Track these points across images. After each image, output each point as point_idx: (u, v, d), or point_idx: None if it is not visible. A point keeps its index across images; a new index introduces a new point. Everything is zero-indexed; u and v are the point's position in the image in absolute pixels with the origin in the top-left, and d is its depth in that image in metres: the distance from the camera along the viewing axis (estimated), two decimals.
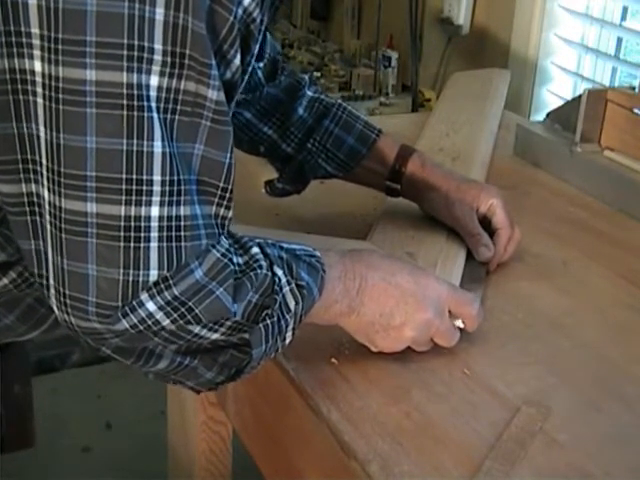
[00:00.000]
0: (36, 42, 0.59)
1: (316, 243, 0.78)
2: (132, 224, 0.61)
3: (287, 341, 0.73)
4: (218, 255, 0.66)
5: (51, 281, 0.64)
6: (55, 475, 1.91)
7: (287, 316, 0.71)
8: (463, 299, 0.83)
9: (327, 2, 2.83)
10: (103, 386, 2.14)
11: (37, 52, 0.59)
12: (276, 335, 0.71)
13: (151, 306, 0.63)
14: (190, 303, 0.64)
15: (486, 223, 1.02)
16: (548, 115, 1.47)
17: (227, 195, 0.67)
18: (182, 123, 0.63)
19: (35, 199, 0.63)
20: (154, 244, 0.62)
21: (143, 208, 0.61)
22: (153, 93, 0.61)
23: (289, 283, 0.71)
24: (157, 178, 0.62)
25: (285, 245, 0.74)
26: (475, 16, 2.19)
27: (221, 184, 0.66)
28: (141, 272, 0.62)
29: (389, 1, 2.40)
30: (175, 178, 0.62)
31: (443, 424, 0.74)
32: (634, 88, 1.36)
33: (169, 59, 0.60)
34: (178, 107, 0.62)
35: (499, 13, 2.10)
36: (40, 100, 0.60)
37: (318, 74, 2.50)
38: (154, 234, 0.62)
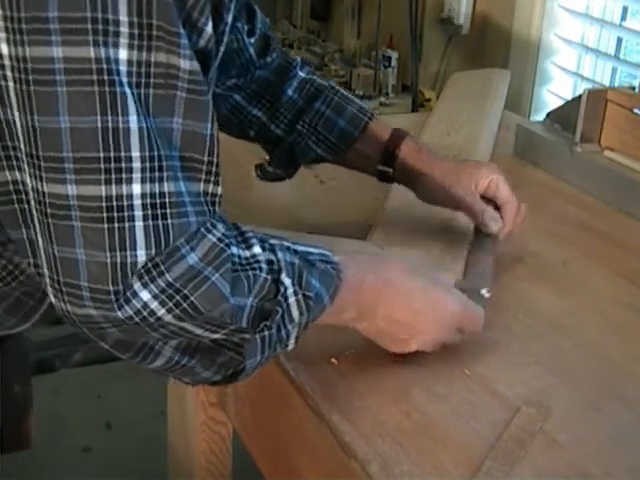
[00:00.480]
0: None
1: (316, 243, 0.78)
2: (114, 204, 0.60)
3: (289, 348, 0.73)
4: (214, 240, 0.64)
5: (45, 269, 0.63)
6: (55, 475, 1.91)
7: (289, 326, 0.70)
8: (472, 318, 0.83)
9: (327, 2, 2.83)
10: (103, 386, 2.14)
11: (2, 34, 0.57)
12: (275, 344, 0.70)
13: (145, 295, 0.62)
14: (185, 290, 0.62)
15: (487, 201, 1.00)
16: (548, 115, 1.47)
17: (213, 169, 0.65)
18: (157, 97, 0.61)
19: (21, 187, 0.62)
20: (139, 223, 0.61)
21: (124, 186, 0.60)
22: (123, 67, 0.59)
23: (296, 294, 0.70)
24: (136, 154, 0.60)
25: (300, 248, 0.72)
26: (475, 16, 2.19)
27: (205, 158, 0.64)
28: (128, 253, 0.61)
29: (389, 1, 2.40)
30: (155, 154, 0.61)
31: (443, 424, 0.74)
32: (634, 88, 1.36)
33: (136, 31, 0.59)
34: (151, 80, 0.61)
35: (499, 13, 2.10)
36: (11, 84, 0.59)
37: (318, 74, 2.50)
38: (138, 213, 0.61)
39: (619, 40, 1.87)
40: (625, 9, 1.84)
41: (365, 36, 2.61)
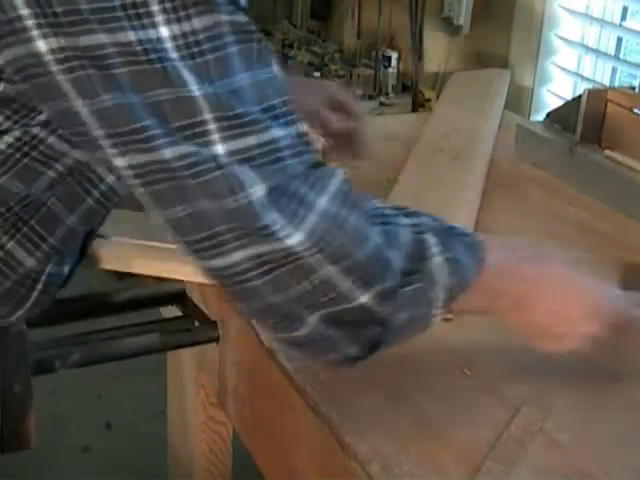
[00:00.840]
0: (30, 22, 0.57)
1: None
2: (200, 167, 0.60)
3: (434, 319, 0.69)
4: (348, 185, 0.64)
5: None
6: (55, 475, 1.91)
7: (436, 288, 0.67)
8: (632, 319, 0.77)
9: (327, 2, 2.83)
10: (103, 386, 2.14)
11: (36, 32, 0.58)
12: (421, 305, 0.67)
13: (298, 236, 0.61)
14: (333, 231, 0.62)
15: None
16: (548, 115, 1.47)
17: (290, 108, 0.64)
18: (214, 61, 0.61)
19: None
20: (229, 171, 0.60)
21: (204, 148, 0.60)
22: (168, 44, 0.59)
23: (442, 253, 0.67)
24: (208, 116, 0.60)
25: (440, 218, 0.71)
26: (475, 16, 2.19)
27: (283, 99, 0.63)
28: (248, 191, 0.60)
29: (389, 1, 2.40)
30: (230, 113, 0.60)
31: (443, 424, 0.74)
32: (634, 88, 1.36)
33: (167, 5, 0.59)
34: (202, 47, 0.60)
35: (499, 13, 2.10)
36: (61, 77, 0.58)
37: (318, 74, 2.50)
38: (230, 168, 0.60)
39: (619, 40, 1.87)
40: (625, 9, 1.84)
41: (365, 36, 2.61)
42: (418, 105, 2.20)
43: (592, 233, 1.14)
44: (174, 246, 1.02)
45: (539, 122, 1.51)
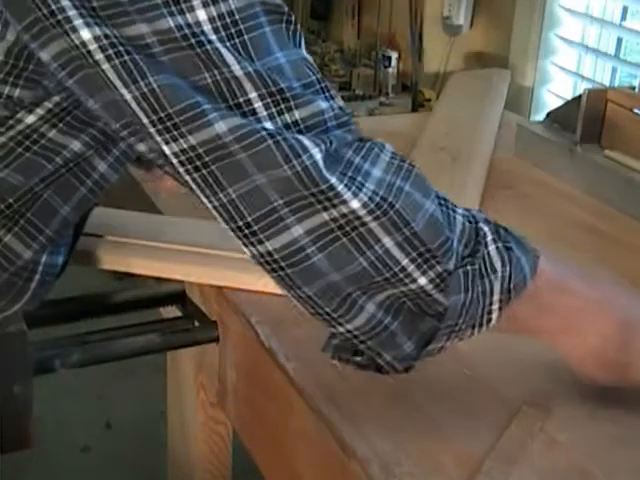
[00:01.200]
0: (72, 13, 0.57)
1: None
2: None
3: (494, 315, 0.65)
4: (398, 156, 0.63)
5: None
6: (55, 475, 1.92)
7: (492, 276, 0.64)
8: None
9: (327, 2, 2.83)
10: (103, 386, 2.14)
11: (79, 21, 0.58)
12: (479, 294, 0.64)
13: (355, 202, 0.59)
14: (390, 198, 0.60)
15: None
16: (548, 115, 1.47)
17: (327, 84, 0.63)
18: (253, 40, 0.61)
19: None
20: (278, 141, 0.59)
21: (249, 126, 0.59)
22: (207, 27, 0.59)
23: (495, 242, 0.65)
24: (253, 95, 0.59)
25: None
26: (475, 16, 2.19)
27: (319, 76, 0.63)
28: (303, 157, 0.59)
29: (389, 1, 2.40)
30: (274, 89, 0.60)
31: (443, 424, 0.74)
32: (634, 88, 1.36)
33: None
34: (240, 27, 0.60)
35: (499, 13, 2.10)
36: (106, 65, 0.58)
37: None
38: (283, 142, 0.59)
39: (619, 40, 1.87)
40: (625, 9, 1.84)
41: (365, 36, 2.60)
42: (418, 105, 2.20)
43: (592, 233, 1.14)
44: (174, 246, 1.02)
45: (539, 122, 1.52)
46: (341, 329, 0.65)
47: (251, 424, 1.00)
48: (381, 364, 0.68)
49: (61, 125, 0.70)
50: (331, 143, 0.61)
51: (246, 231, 0.61)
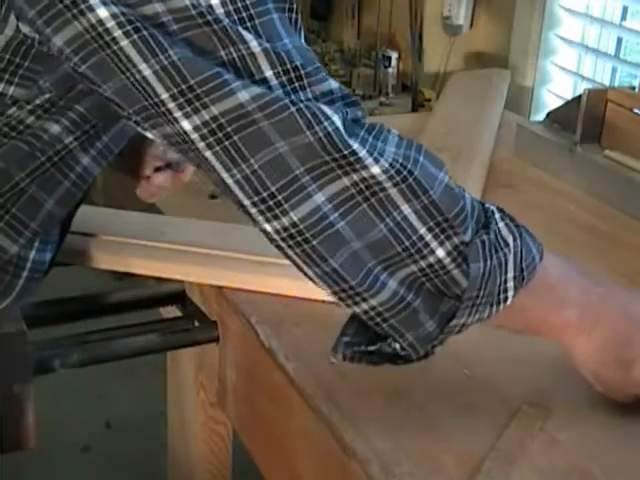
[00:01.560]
0: None
1: None
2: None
3: (509, 293, 0.65)
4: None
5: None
6: (55, 475, 1.91)
7: (505, 249, 0.64)
8: None
9: (327, 2, 2.83)
10: (103, 386, 2.14)
11: (95, 1, 0.57)
12: (495, 265, 0.64)
13: (376, 169, 0.61)
14: (409, 166, 0.61)
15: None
16: (548, 115, 1.47)
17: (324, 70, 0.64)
18: (263, 24, 0.61)
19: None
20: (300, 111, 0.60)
21: (263, 101, 0.59)
22: (220, 10, 0.60)
23: (503, 219, 0.66)
24: (269, 73, 0.60)
25: None
26: (475, 16, 2.19)
27: (318, 64, 0.63)
28: (324, 124, 0.60)
29: (389, 1, 2.40)
30: (289, 67, 0.60)
31: (443, 424, 0.74)
32: (634, 88, 1.36)
33: None
34: (250, 12, 0.61)
35: (499, 13, 2.10)
36: (124, 42, 0.58)
37: None
38: (302, 120, 0.60)
39: (619, 40, 1.87)
40: (625, 9, 1.84)
41: (365, 36, 2.60)
42: (418, 105, 2.20)
43: (592, 233, 1.14)
44: (174, 246, 1.02)
45: (539, 122, 1.52)
46: (365, 306, 0.65)
47: (251, 424, 1.00)
48: (400, 348, 0.67)
49: (40, 112, 0.70)
50: (347, 115, 0.62)
51: (270, 202, 0.60)
